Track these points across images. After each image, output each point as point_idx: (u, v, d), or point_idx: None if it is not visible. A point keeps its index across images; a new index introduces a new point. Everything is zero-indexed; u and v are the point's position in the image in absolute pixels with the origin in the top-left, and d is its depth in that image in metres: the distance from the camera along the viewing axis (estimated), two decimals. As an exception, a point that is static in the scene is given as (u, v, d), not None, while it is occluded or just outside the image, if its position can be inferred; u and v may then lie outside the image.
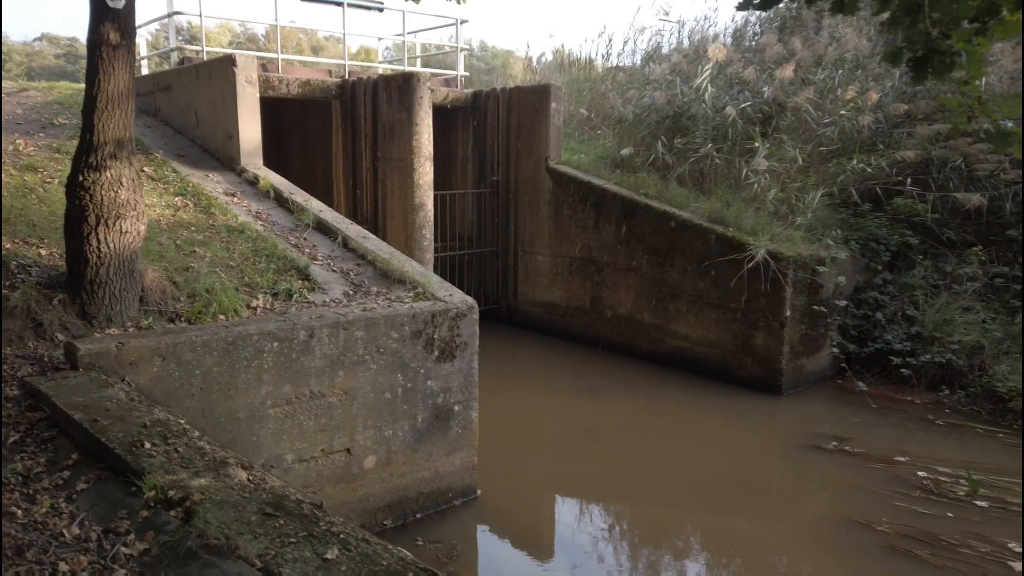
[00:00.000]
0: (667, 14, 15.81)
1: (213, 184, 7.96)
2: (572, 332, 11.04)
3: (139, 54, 11.12)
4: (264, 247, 6.44)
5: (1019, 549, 5.30)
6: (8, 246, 5.45)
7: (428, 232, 10.11)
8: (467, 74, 12.77)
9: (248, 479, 3.02)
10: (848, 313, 9.08)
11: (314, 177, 12.00)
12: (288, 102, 11.65)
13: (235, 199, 7.62)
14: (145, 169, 7.94)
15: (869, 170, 9.06)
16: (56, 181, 7.04)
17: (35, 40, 49.69)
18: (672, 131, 10.60)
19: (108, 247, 4.82)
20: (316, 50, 63.94)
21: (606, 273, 10.55)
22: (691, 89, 10.65)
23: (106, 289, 4.85)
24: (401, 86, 9.82)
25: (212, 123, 8.84)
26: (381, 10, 11.64)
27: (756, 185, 9.13)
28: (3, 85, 10.16)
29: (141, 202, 5.04)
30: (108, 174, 4.81)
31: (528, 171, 11.47)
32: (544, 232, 11.37)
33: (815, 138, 9.71)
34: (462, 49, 12.44)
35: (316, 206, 7.38)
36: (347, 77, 11.00)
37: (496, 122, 11.80)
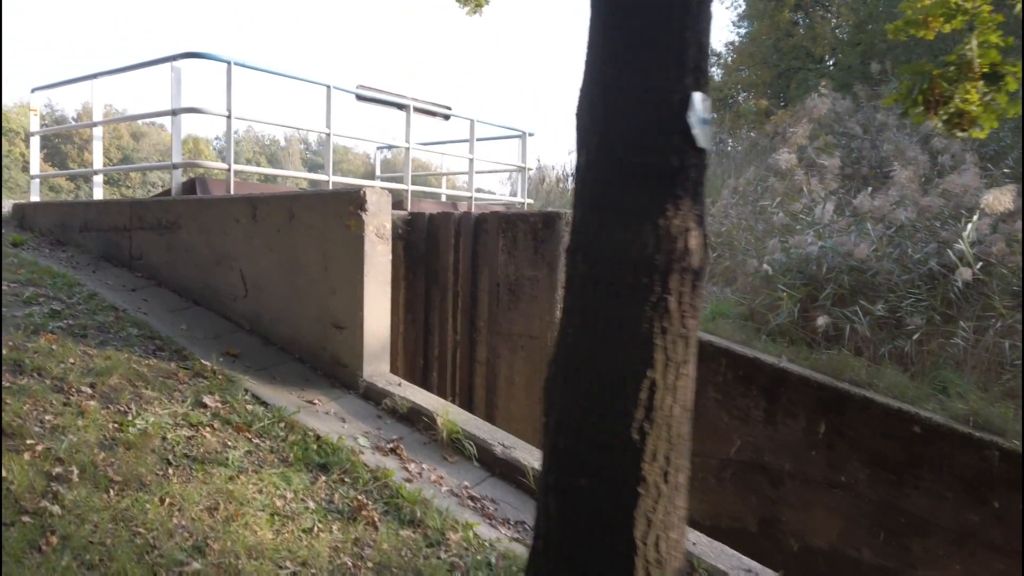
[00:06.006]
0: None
1: (333, 424, 4.34)
2: (726, 563, 7.94)
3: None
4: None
5: None
6: None
7: (571, 444, 6.81)
8: (531, 200, 9.80)
9: None
10: None
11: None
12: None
13: (404, 462, 4.06)
14: (207, 401, 4.20)
15: None
16: (146, 497, 3.20)
17: None
18: (855, 291, 8.16)
19: None
20: (137, 136, 56.46)
21: (788, 487, 7.68)
22: (879, 238, 8.31)
23: None
24: (538, 230, 6.67)
25: (290, 297, 5.20)
26: (447, 117, 8.53)
27: (1037, 379, 6.78)
28: None
29: None
30: None
31: (643, 336, 8.51)
32: (671, 420, 8.35)
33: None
34: (528, 169, 9.50)
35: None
36: (408, 208, 7.71)
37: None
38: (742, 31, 25.50)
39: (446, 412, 4.37)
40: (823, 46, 21.87)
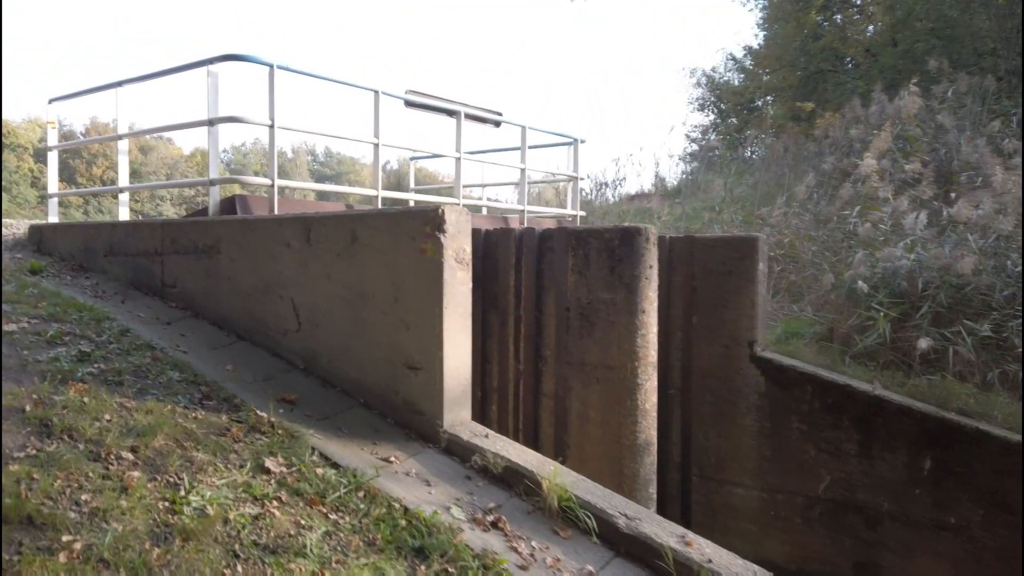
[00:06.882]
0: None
1: (418, 489, 3.62)
2: (814, 612, 7.18)
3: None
4: None
5: None
6: None
7: (653, 489, 6.09)
8: (583, 213, 9.09)
9: None
10: None
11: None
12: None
13: (509, 540, 3.33)
14: (269, 465, 3.49)
15: None
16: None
17: None
18: (952, 309, 7.41)
19: None
20: (145, 151, 55.77)
21: (887, 528, 6.91)
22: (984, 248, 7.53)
23: None
24: (615, 248, 5.96)
25: (352, 332, 4.50)
26: (498, 124, 7.84)
27: None
28: None
29: None
30: None
31: (713, 359, 7.77)
32: (748, 452, 7.60)
33: None
34: (580, 179, 8.80)
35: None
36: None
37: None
38: (763, 34, 24.78)
39: (553, 475, 3.64)
40: (855, 47, 21.11)
